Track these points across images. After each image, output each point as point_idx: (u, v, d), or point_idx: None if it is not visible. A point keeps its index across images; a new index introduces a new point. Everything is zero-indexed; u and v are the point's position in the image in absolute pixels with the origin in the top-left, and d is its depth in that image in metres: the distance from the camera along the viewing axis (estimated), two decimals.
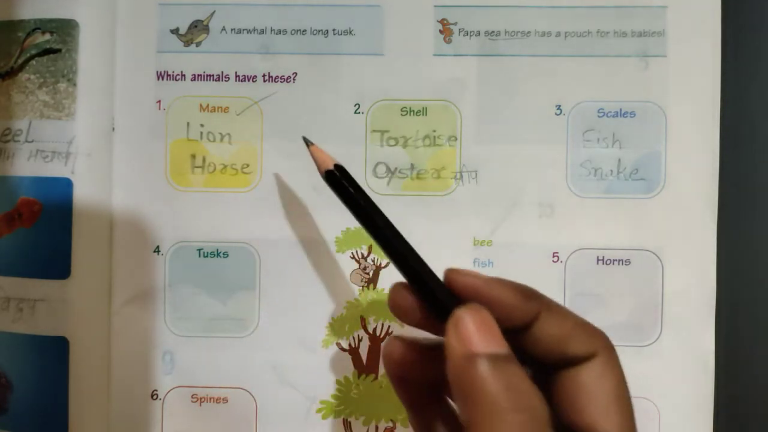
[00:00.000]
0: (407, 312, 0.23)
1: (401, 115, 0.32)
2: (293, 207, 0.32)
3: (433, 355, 0.23)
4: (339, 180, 0.24)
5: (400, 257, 0.22)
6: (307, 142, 0.26)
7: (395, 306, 0.23)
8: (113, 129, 0.31)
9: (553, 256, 0.31)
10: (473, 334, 0.20)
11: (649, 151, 0.31)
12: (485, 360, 0.19)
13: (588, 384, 0.21)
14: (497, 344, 0.20)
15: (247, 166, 0.32)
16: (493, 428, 0.18)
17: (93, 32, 0.31)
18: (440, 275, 0.22)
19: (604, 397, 0.21)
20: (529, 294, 0.22)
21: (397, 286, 0.23)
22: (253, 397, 0.32)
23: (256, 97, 0.32)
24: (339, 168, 0.24)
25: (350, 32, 0.32)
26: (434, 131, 0.32)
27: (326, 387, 0.32)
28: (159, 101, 0.32)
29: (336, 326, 0.32)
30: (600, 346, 0.22)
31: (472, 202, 0.32)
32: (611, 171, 0.31)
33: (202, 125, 0.32)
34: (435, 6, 0.32)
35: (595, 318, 0.31)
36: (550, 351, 0.22)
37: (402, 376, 0.24)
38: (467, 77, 0.32)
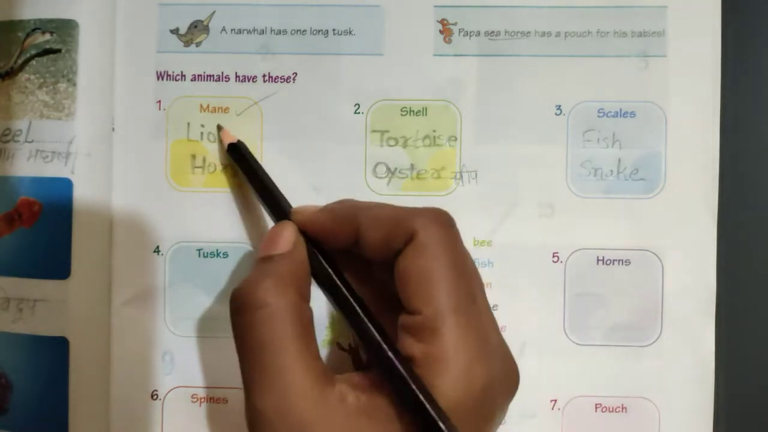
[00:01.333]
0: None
1: (401, 115, 0.32)
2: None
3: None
4: (240, 152, 0.30)
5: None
6: (219, 127, 0.31)
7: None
8: (113, 129, 0.31)
9: (553, 256, 0.31)
10: (265, 239, 0.26)
11: (649, 151, 0.31)
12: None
13: (403, 268, 0.23)
14: (277, 246, 0.25)
15: None
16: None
17: (93, 32, 0.31)
18: None
19: (416, 276, 0.22)
20: (344, 214, 0.25)
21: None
22: None
23: (256, 97, 0.32)
24: (240, 143, 0.31)
25: (350, 32, 0.32)
26: (434, 131, 0.32)
27: None
28: (159, 101, 0.32)
29: (336, 326, 0.32)
30: (419, 228, 0.23)
31: (472, 202, 0.32)
32: (611, 171, 0.31)
33: (202, 125, 0.32)
34: (435, 6, 0.32)
35: (596, 318, 0.31)
36: (381, 253, 0.24)
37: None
38: (467, 77, 0.32)
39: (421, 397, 0.21)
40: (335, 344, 0.32)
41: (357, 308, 0.24)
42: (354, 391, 0.22)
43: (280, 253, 0.25)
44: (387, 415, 0.22)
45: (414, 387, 0.21)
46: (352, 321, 0.24)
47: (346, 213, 0.25)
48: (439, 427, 0.21)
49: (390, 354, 0.22)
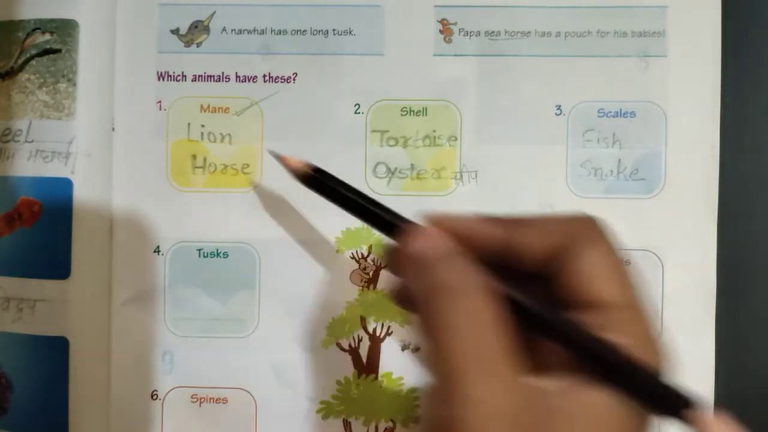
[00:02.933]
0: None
1: (401, 115, 0.32)
2: (293, 207, 0.32)
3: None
4: (321, 181, 0.26)
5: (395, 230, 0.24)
6: (274, 154, 0.28)
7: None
8: (113, 129, 0.31)
9: None
10: (415, 242, 0.22)
11: (649, 151, 0.31)
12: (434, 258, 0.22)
13: (580, 265, 0.22)
14: (438, 244, 0.22)
15: (248, 166, 0.32)
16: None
17: (93, 32, 0.31)
18: None
19: (598, 272, 0.22)
20: (500, 221, 0.23)
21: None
22: (253, 397, 0.32)
23: (257, 97, 0.32)
24: (315, 170, 0.26)
25: (350, 32, 0.32)
26: (434, 131, 0.32)
27: (326, 387, 0.32)
28: (159, 101, 0.32)
29: (336, 326, 0.32)
30: (584, 232, 0.23)
31: (472, 202, 0.32)
32: (611, 171, 0.31)
33: (202, 126, 0.32)
34: (435, 6, 0.32)
35: None
36: (539, 259, 0.23)
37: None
38: (467, 77, 0.32)
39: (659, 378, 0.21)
40: (335, 344, 0.32)
41: (541, 310, 0.22)
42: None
43: (444, 246, 0.22)
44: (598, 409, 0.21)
45: (638, 367, 0.21)
46: (534, 320, 0.22)
47: (504, 219, 0.23)
48: (685, 398, 0.21)
49: (602, 343, 0.21)
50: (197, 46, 0.32)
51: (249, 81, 0.32)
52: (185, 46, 0.32)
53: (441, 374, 0.20)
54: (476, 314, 0.21)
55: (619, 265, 0.22)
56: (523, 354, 0.21)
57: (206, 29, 0.32)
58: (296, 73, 0.32)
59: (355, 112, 0.32)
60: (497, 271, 0.23)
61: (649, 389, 0.21)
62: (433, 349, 0.21)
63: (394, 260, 0.23)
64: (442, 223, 0.23)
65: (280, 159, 0.27)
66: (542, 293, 0.23)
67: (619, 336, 0.21)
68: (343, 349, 0.32)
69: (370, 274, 0.32)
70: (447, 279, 0.21)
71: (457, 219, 0.23)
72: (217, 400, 0.32)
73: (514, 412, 0.20)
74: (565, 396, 0.21)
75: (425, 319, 0.21)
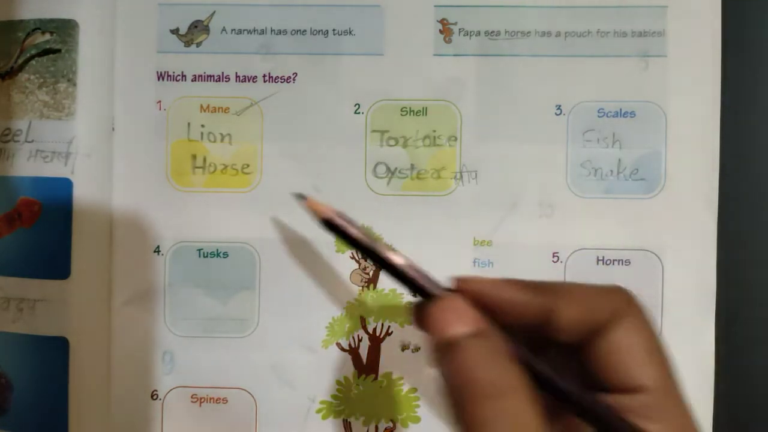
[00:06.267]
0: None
1: (401, 115, 0.32)
2: (293, 207, 0.32)
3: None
4: (339, 227, 0.24)
5: (415, 287, 0.22)
6: (301, 197, 0.25)
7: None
8: (113, 129, 0.31)
9: (553, 256, 0.31)
10: (441, 320, 0.20)
11: (649, 151, 0.31)
12: (458, 343, 0.20)
13: (618, 344, 0.21)
14: (466, 324, 0.20)
15: (248, 166, 0.32)
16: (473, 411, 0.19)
17: (93, 32, 0.31)
18: (442, 278, 0.22)
19: (636, 353, 0.21)
20: (536, 288, 0.22)
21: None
22: (253, 397, 0.32)
23: (257, 97, 0.32)
24: (337, 217, 0.24)
25: (350, 32, 0.32)
26: (434, 131, 0.32)
27: (326, 387, 0.32)
28: (159, 101, 0.32)
29: (336, 326, 0.32)
30: (623, 306, 0.22)
31: (472, 202, 0.32)
32: (611, 171, 0.31)
33: (202, 126, 0.32)
34: (435, 6, 0.32)
35: None
36: (575, 332, 0.21)
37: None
38: (467, 77, 0.32)
39: None
40: (335, 344, 0.32)
41: (573, 390, 0.21)
42: None
43: (479, 329, 0.20)
44: None
45: None
46: (576, 403, 0.21)
47: (540, 286, 0.22)
48: None
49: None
50: (197, 46, 0.32)
51: (249, 81, 0.32)
52: (185, 46, 0.32)
53: None
54: (517, 417, 0.19)
55: (655, 345, 0.22)
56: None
57: (206, 29, 0.32)
58: (296, 73, 0.32)
59: (355, 112, 0.32)
60: (526, 340, 0.21)
61: None
62: None
63: (419, 319, 0.21)
64: (471, 288, 0.21)
65: (308, 204, 0.25)
66: (572, 366, 0.22)
67: (652, 423, 0.21)
68: (343, 349, 0.32)
69: (370, 274, 0.32)
70: (482, 376, 0.19)
71: (487, 283, 0.21)
72: (217, 400, 0.32)
73: None
74: None
75: (459, 414, 0.19)
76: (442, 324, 0.20)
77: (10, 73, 0.31)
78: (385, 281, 0.32)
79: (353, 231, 0.23)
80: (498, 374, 0.19)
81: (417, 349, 0.32)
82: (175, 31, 0.32)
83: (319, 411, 0.32)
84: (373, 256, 0.23)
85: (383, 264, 0.23)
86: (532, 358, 0.21)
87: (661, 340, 0.22)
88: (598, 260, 0.31)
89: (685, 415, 0.21)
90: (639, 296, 0.22)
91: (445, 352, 0.20)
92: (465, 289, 0.21)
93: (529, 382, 0.19)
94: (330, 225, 0.24)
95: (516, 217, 0.31)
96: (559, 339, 0.22)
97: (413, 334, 0.32)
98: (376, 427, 0.32)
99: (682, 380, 0.22)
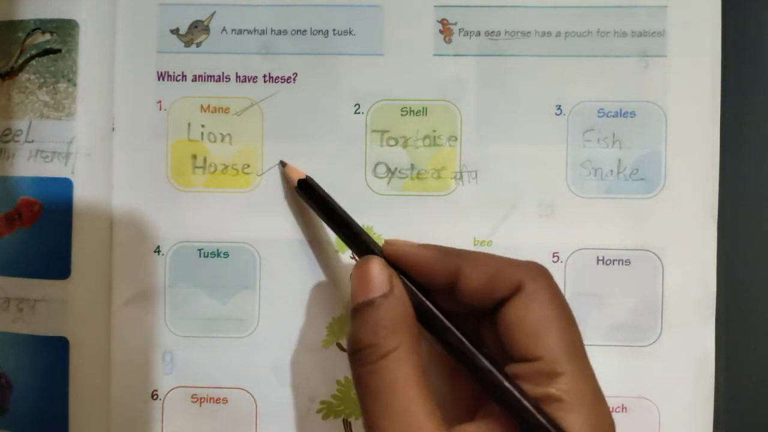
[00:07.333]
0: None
1: (401, 115, 0.32)
2: (293, 207, 0.32)
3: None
4: (310, 188, 0.29)
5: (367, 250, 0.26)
6: (282, 164, 0.31)
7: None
8: (113, 129, 0.31)
9: (553, 256, 0.31)
10: (354, 283, 0.24)
11: (649, 151, 0.31)
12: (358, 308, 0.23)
13: (515, 316, 0.23)
14: (369, 291, 0.23)
15: (248, 166, 0.32)
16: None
17: (93, 32, 0.31)
18: None
19: (531, 324, 0.22)
20: (447, 252, 0.24)
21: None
22: (253, 397, 0.32)
23: (257, 97, 0.32)
24: (308, 179, 0.29)
25: (350, 32, 0.32)
26: (434, 131, 0.32)
27: (326, 387, 0.32)
28: (159, 102, 0.32)
29: (336, 326, 0.32)
30: (524, 278, 0.23)
31: (472, 202, 0.32)
32: (611, 171, 0.31)
33: (203, 126, 0.32)
34: (435, 6, 0.32)
35: (595, 318, 0.31)
36: (481, 298, 0.23)
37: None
38: (467, 77, 0.32)
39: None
40: (335, 344, 0.32)
41: (473, 349, 0.23)
42: None
43: (382, 294, 0.23)
44: None
45: (546, 423, 0.21)
46: (469, 362, 0.23)
47: (449, 251, 0.24)
48: None
49: (518, 395, 0.22)
50: (197, 46, 0.32)
51: (249, 81, 0.32)
52: (185, 46, 0.32)
53: None
54: (394, 376, 0.22)
55: (555, 315, 0.23)
56: (456, 398, 0.24)
57: (206, 29, 0.32)
58: (296, 73, 0.32)
59: (355, 112, 0.32)
60: (462, 314, 0.24)
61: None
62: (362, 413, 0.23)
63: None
64: (392, 250, 0.25)
65: (286, 168, 0.30)
66: (494, 337, 0.24)
67: (549, 387, 0.22)
68: (343, 349, 0.32)
69: None
70: (364, 339, 0.22)
71: (407, 245, 0.25)
72: (217, 400, 0.32)
73: None
74: None
75: (354, 381, 0.23)
76: (357, 283, 0.24)
77: (11, 73, 0.31)
78: None
79: (323, 192, 0.29)
80: (386, 339, 0.22)
81: None
82: (175, 31, 0.32)
83: (319, 411, 0.32)
84: (334, 218, 0.28)
85: (342, 226, 0.27)
86: (445, 328, 0.23)
87: (567, 311, 0.23)
88: (598, 260, 0.31)
89: (586, 382, 0.22)
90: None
91: (351, 315, 0.24)
92: (387, 251, 0.25)
93: (416, 346, 0.22)
94: (304, 186, 0.29)
95: (516, 217, 0.32)
96: (469, 304, 0.24)
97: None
98: None
99: (589, 353, 0.23)
